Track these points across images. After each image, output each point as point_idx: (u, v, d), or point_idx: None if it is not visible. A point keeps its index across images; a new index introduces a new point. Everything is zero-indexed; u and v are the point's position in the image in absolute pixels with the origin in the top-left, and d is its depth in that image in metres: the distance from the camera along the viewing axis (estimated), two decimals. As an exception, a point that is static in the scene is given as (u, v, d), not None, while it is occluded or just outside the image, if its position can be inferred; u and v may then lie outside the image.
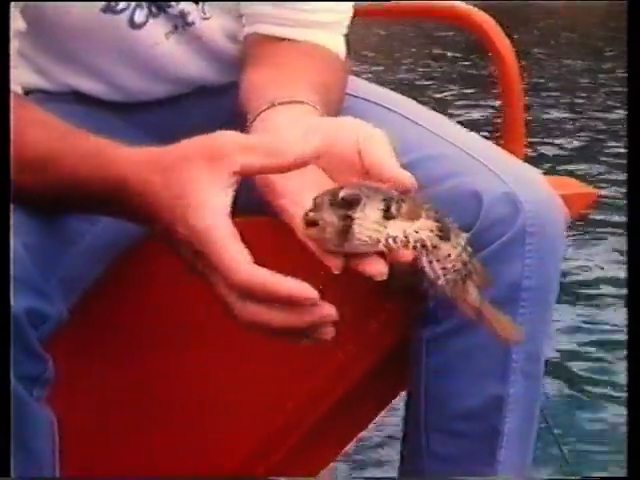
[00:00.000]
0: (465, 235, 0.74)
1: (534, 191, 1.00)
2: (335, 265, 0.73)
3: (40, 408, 0.82)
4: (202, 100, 1.13)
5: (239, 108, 0.97)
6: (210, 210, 0.70)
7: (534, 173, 1.04)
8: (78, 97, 1.10)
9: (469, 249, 0.73)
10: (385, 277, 0.72)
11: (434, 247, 0.71)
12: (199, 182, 0.71)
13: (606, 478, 1.80)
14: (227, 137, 0.73)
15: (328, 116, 0.91)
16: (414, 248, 0.71)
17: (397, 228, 0.70)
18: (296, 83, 0.94)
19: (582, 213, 1.32)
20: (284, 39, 1.04)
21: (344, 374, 1.13)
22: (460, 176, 0.99)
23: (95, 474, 1.12)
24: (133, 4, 1.02)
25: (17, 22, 0.90)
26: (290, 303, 0.69)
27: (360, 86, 1.17)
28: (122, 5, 1.02)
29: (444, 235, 0.72)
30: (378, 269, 0.72)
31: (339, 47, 1.08)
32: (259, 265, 0.70)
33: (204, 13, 1.06)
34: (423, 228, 0.71)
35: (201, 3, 1.06)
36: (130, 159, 0.76)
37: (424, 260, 0.71)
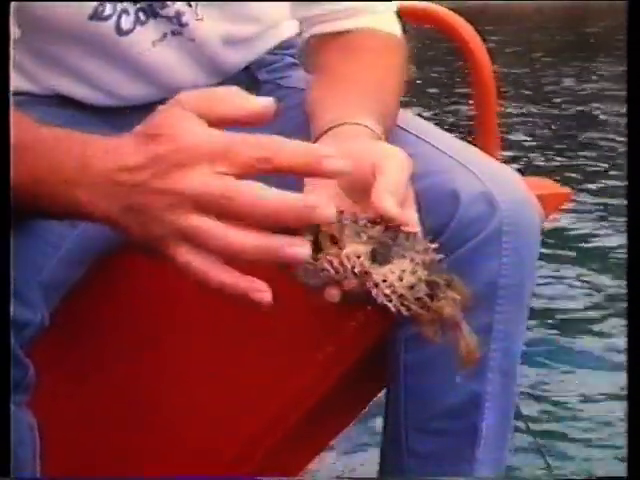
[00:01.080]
0: (420, 255, 0.70)
1: (510, 191, 1.01)
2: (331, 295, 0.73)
3: (21, 414, 0.82)
4: None
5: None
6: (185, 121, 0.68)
7: (510, 173, 1.05)
8: (63, 100, 1.10)
9: (432, 265, 0.70)
10: (336, 300, 0.71)
11: (365, 273, 0.68)
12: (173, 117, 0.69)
13: (606, 478, 1.82)
14: (188, 96, 0.72)
15: (385, 118, 0.95)
16: (355, 275, 0.69)
17: (333, 256, 0.69)
18: (352, 102, 0.96)
19: (557, 213, 1.34)
20: (341, 32, 1.08)
21: (324, 375, 1.14)
22: (438, 175, 1.00)
23: (79, 476, 1.12)
24: (119, 10, 1.02)
25: (12, 28, 0.89)
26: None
27: None
28: (108, 11, 1.01)
29: (379, 259, 0.69)
30: (330, 294, 0.72)
31: (394, 26, 1.11)
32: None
33: (197, 14, 1.06)
34: (350, 255, 0.69)
35: (194, 4, 1.06)
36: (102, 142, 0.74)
37: (368, 286, 0.69)
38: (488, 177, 1.00)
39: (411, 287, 0.67)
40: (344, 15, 1.08)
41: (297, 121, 1.11)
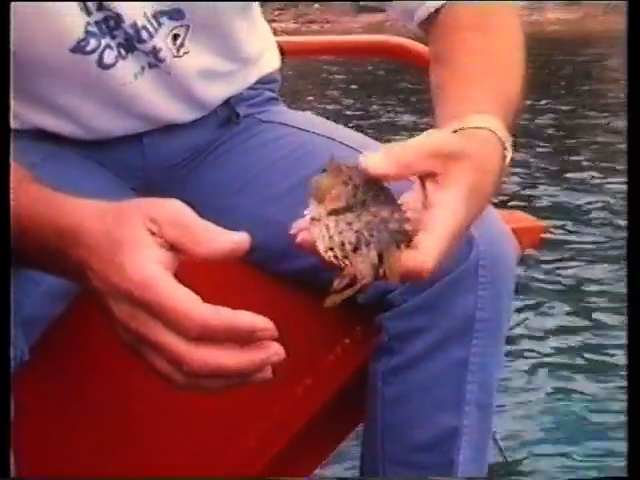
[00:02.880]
0: (376, 217, 0.70)
1: (487, 225, 1.02)
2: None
3: None
4: (166, 137, 1.13)
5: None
6: (149, 260, 0.67)
7: (486, 207, 1.06)
8: (42, 135, 1.10)
9: (382, 227, 0.70)
10: None
11: (318, 220, 0.70)
12: (136, 238, 0.68)
13: (606, 478, 1.82)
14: (168, 208, 0.69)
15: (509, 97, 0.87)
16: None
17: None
18: (472, 97, 0.87)
19: (532, 246, 1.35)
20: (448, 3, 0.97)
21: (303, 407, 1.14)
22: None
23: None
24: (102, 45, 1.02)
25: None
26: (250, 337, 0.67)
27: (291, 116, 1.20)
28: (92, 46, 1.02)
29: (338, 212, 0.70)
30: None
31: None
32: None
33: (177, 51, 1.06)
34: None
35: (179, 41, 1.05)
36: (75, 210, 0.73)
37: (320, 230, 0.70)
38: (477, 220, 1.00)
39: (340, 232, 0.68)
40: None
41: (276, 156, 1.12)
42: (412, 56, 1.61)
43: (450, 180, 0.72)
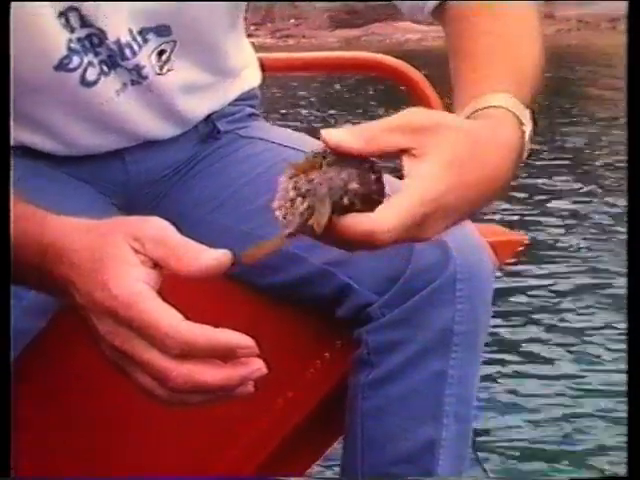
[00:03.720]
0: (337, 175, 0.68)
1: (463, 238, 1.04)
2: None
3: None
4: (148, 153, 1.14)
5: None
6: (133, 278, 0.68)
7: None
8: (23, 151, 1.10)
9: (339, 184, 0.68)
10: None
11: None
12: (120, 256, 0.69)
13: (606, 478, 1.83)
14: (151, 226, 0.70)
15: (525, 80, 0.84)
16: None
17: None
18: (482, 78, 0.84)
19: (510, 259, 1.37)
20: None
21: (284, 420, 1.15)
22: None
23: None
24: (85, 63, 1.02)
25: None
26: (231, 354, 0.67)
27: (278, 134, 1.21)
28: (75, 64, 1.02)
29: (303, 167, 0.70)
30: None
31: None
32: None
33: (160, 69, 1.06)
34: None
35: (164, 57, 1.05)
36: (58, 227, 0.74)
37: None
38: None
39: (295, 187, 0.68)
40: None
41: (256, 171, 1.13)
42: (393, 72, 1.62)
43: (426, 151, 0.69)
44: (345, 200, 0.67)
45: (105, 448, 1.15)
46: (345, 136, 0.68)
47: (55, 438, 1.14)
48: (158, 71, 1.06)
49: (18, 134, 1.09)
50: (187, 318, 0.66)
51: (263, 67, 1.29)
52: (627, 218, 0.78)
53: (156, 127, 1.11)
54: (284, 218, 0.68)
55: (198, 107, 1.14)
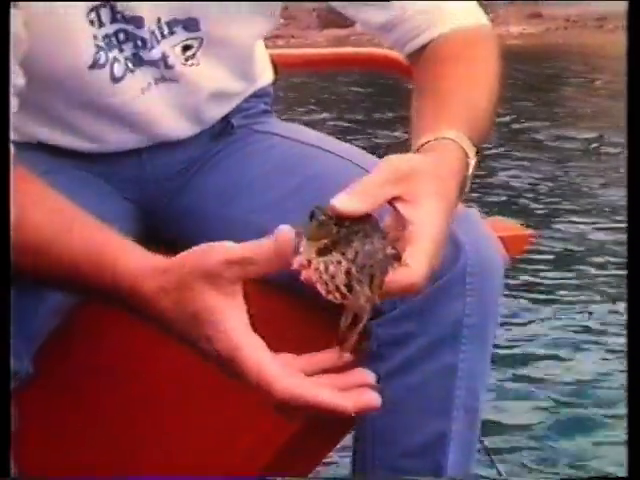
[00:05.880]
0: (361, 252, 0.76)
1: (474, 232, 1.04)
2: None
3: None
4: (164, 150, 1.14)
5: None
6: (232, 331, 0.74)
7: (474, 215, 1.08)
8: (39, 147, 1.10)
9: (366, 259, 0.76)
10: None
11: (308, 262, 0.76)
12: (212, 307, 0.75)
13: (606, 478, 1.83)
14: (213, 256, 0.76)
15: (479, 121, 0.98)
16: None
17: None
18: (445, 117, 0.96)
19: (519, 254, 1.37)
20: (436, 38, 1.07)
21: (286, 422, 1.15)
22: None
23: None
24: (111, 59, 1.02)
25: (18, 78, 0.88)
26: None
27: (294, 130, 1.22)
28: (103, 60, 1.02)
29: (324, 252, 0.76)
30: None
31: (480, 16, 1.11)
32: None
33: (186, 61, 1.06)
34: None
35: (189, 52, 1.06)
36: (132, 269, 0.78)
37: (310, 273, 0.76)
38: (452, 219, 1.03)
39: (333, 277, 0.74)
40: (425, 26, 1.08)
41: (268, 164, 1.14)
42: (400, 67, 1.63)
43: (416, 196, 0.81)
44: (393, 263, 0.76)
45: (112, 445, 1.15)
46: (351, 203, 0.76)
47: (66, 433, 1.14)
48: (183, 62, 1.06)
49: (37, 130, 1.09)
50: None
51: (275, 64, 1.29)
52: (627, 219, 0.82)
53: (177, 127, 1.12)
54: (343, 298, 0.74)
55: (220, 109, 1.16)
